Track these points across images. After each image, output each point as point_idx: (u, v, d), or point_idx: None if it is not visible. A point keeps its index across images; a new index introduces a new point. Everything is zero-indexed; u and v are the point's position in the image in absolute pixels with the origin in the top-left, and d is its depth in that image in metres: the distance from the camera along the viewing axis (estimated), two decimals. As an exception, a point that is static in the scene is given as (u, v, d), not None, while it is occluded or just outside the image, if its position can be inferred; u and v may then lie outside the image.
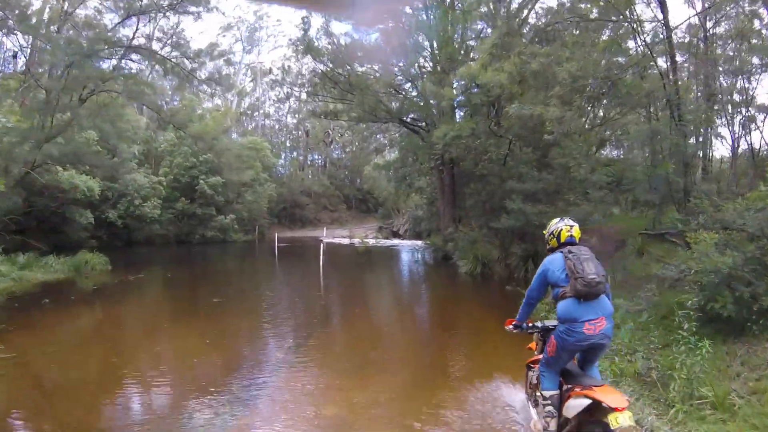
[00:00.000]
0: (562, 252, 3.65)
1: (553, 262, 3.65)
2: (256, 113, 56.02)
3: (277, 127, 58.14)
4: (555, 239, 3.80)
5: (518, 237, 15.10)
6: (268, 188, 38.36)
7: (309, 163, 60.55)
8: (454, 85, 18.48)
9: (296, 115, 57.59)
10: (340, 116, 26.24)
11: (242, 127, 51.31)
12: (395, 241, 35.17)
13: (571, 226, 3.78)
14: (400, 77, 22.05)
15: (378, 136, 40.62)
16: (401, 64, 21.43)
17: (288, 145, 57.51)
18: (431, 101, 19.51)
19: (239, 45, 52.71)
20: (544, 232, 3.97)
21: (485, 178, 16.66)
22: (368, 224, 50.98)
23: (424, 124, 21.73)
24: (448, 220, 21.70)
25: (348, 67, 21.20)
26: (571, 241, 3.73)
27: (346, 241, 34.66)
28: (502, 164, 15.89)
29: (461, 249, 17.12)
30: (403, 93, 22.53)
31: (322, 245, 25.19)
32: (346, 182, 60.75)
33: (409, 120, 22.67)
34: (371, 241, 33.78)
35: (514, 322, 4.00)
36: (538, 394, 3.81)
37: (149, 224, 29.55)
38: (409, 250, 28.83)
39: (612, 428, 2.98)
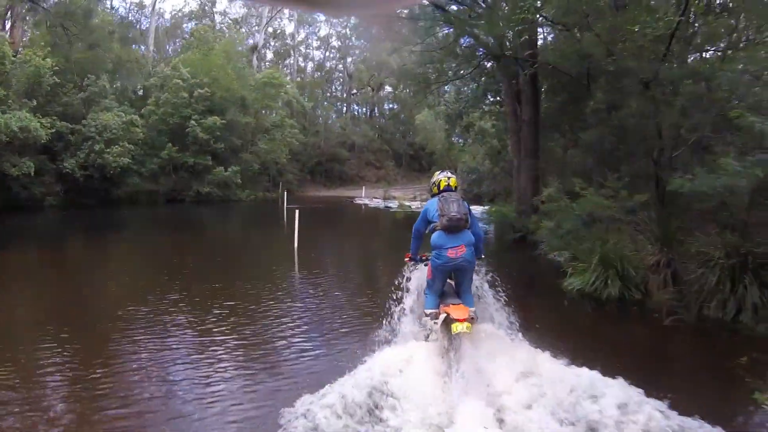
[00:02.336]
0: (438, 196, 4.23)
1: (432, 204, 4.28)
2: (289, 59, 47.94)
3: (317, 72, 49.47)
4: (436, 187, 4.36)
5: (712, 221, 6.34)
6: (289, 134, 30.39)
7: (354, 113, 52.04)
8: None
9: (337, 54, 48.92)
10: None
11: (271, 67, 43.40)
12: None
13: (449, 177, 4.37)
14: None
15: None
16: None
17: (327, 93, 48.87)
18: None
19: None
20: (431, 183, 4.49)
21: (621, 85, 7.70)
22: (419, 185, 41.81)
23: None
24: (525, 181, 12.84)
25: None
26: (447, 189, 4.29)
27: (380, 204, 26.37)
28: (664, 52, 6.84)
29: (558, 236, 8.32)
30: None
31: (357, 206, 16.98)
32: (396, 136, 51.91)
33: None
34: (414, 204, 25.47)
35: (410, 256, 4.63)
36: (422, 311, 4.46)
37: (127, 178, 22.85)
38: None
39: (452, 333, 3.78)
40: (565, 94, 11.28)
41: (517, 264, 10.19)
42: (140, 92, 26.85)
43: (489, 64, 14.26)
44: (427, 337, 4.09)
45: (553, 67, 10.42)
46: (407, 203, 26.08)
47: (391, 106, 54.23)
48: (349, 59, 47.82)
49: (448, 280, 4.37)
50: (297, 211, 11.68)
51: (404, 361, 3.77)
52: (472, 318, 3.87)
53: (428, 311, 4.19)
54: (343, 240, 16.33)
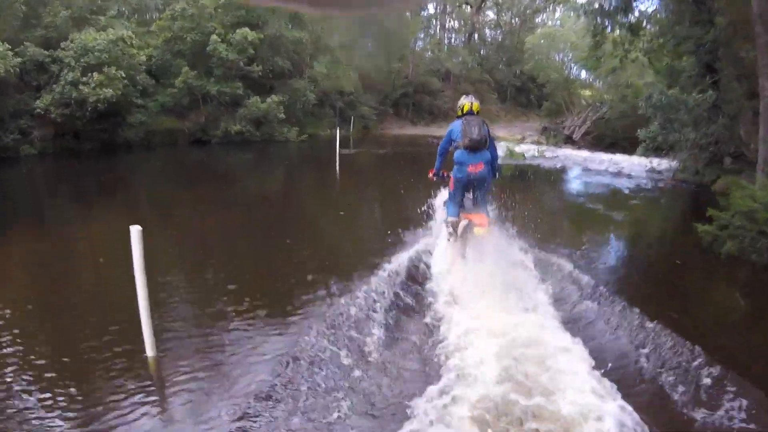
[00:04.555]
0: (462, 119, 4.69)
1: (455, 125, 4.73)
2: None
3: None
4: (460, 111, 4.79)
5: None
6: (357, 56, 22.75)
7: (448, 41, 42.54)
8: None
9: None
10: None
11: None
12: (573, 153, 18.92)
13: (472, 103, 4.74)
14: None
15: None
16: None
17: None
18: None
19: None
20: (457, 106, 4.90)
21: None
22: (526, 123, 35.35)
23: None
24: None
25: None
26: (470, 113, 4.71)
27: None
28: None
29: None
30: None
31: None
32: (499, 65, 41.96)
33: None
34: (532, 150, 17.21)
35: (433, 172, 5.24)
36: (444, 218, 5.15)
37: (129, 116, 17.28)
38: (613, 181, 13.38)
39: (475, 234, 4.59)
40: None
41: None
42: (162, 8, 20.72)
43: None
44: (448, 238, 4.96)
45: None
46: (517, 148, 17.57)
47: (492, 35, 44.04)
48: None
49: (467, 194, 4.99)
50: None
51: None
52: (491, 225, 4.80)
53: (449, 219, 4.91)
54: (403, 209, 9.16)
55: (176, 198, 10.35)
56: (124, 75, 16.10)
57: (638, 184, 12.42)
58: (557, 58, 36.46)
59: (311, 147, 19.70)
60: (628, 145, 17.73)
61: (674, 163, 12.71)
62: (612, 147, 19.22)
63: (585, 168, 15.32)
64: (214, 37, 17.55)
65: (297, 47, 20.66)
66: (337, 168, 14.64)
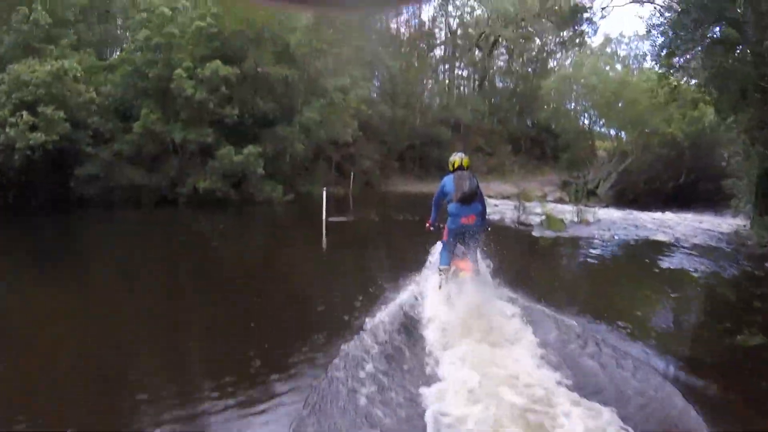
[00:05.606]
0: (453, 174, 4.99)
1: (448, 180, 5.01)
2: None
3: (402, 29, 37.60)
4: (452, 166, 5.12)
5: None
6: (360, 92, 19.42)
7: (458, 82, 39.99)
8: None
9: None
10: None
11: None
12: (619, 215, 15.67)
13: (462, 159, 5.08)
14: None
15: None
16: None
17: (424, 52, 37.02)
18: None
19: None
20: (449, 162, 5.25)
21: None
22: (545, 177, 32.25)
23: None
24: None
25: None
26: (460, 168, 5.02)
27: (509, 210, 14.36)
28: None
29: None
30: None
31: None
32: (513, 115, 39.38)
33: None
34: (566, 212, 13.51)
35: (430, 223, 5.42)
36: (437, 266, 5.28)
37: (77, 166, 13.97)
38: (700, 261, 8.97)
39: (459, 278, 4.87)
40: None
41: None
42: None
43: None
44: (439, 286, 5.05)
45: None
46: (554, 212, 13.73)
47: (504, 82, 41.64)
48: (450, 6, 35.80)
49: (458, 244, 5.14)
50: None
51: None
52: (477, 271, 5.00)
53: (441, 267, 5.09)
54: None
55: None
56: (65, 116, 12.69)
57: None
58: (572, 107, 33.96)
59: (299, 209, 15.89)
60: (650, 200, 17.60)
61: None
62: (634, 203, 17.81)
63: (674, 242, 11.15)
64: (178, 71, 14.12)
65: (285, 88, 17.29)
66: (324, 241, 10.89)
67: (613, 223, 14.01)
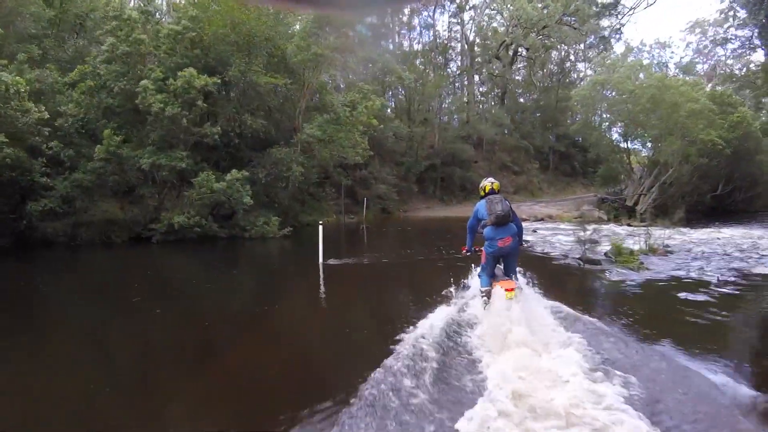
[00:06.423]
0: (485, 198, 5.05)
1: (480, 205, 5.09)
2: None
3: (416, 42, 34.97)
4: (482, 191, 5.16)
5: None
6: (371, 107, 16.65)
7: (478, 96, 37.33)
8: None
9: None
10: None
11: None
12: (688, 239, 13.14)
13: (492, 183, 5.13)
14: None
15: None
16: None
17: (441, 66, 34.39)
18: None
19: None
20: (479, 188, 5.26)
21: None
22: (578, 195, 30.49)
23: None
24: None
25: None
26: (491, 192, 5.09)
27: (556, 240, 11.26)
28: None
29: None
30: None
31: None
32: (537, 128, 36.57)
33: None
34: (629, 240, 10.25)
35: (466, 249, 5.52)
36: (479, 288, 5.36)
37: (29, 201, 11.50)
38: None
39: (505, 299, 4.67)
40: None
41: None
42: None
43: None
44: (484, 307, 5.11)
45: None
46: (619, 240, 10.54)
47: (526, 95, 39.08)
48: (467, 15, 33.39)
49: (498, 265, 5.23)
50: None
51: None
52: (520, 289, 4.92)
53: (483, 289, 5.19)
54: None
55: None
56: (6, 139, 10.28)
57: None
58: (605, 116, 30.92)
59: (297, 246, 13.01)
60: (691, 215, 17.18)
61: None
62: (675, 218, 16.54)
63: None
64: (144, 82, 11.62)
65: (281, 102, 14.65)
66: (322, 288, 7.99)
67: (689, 251, 10.90)
